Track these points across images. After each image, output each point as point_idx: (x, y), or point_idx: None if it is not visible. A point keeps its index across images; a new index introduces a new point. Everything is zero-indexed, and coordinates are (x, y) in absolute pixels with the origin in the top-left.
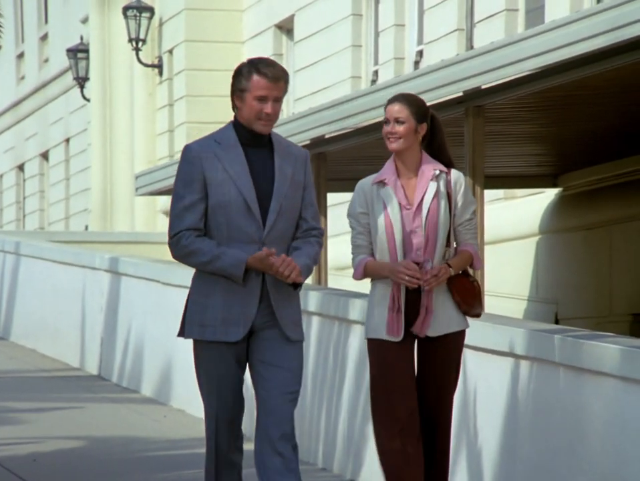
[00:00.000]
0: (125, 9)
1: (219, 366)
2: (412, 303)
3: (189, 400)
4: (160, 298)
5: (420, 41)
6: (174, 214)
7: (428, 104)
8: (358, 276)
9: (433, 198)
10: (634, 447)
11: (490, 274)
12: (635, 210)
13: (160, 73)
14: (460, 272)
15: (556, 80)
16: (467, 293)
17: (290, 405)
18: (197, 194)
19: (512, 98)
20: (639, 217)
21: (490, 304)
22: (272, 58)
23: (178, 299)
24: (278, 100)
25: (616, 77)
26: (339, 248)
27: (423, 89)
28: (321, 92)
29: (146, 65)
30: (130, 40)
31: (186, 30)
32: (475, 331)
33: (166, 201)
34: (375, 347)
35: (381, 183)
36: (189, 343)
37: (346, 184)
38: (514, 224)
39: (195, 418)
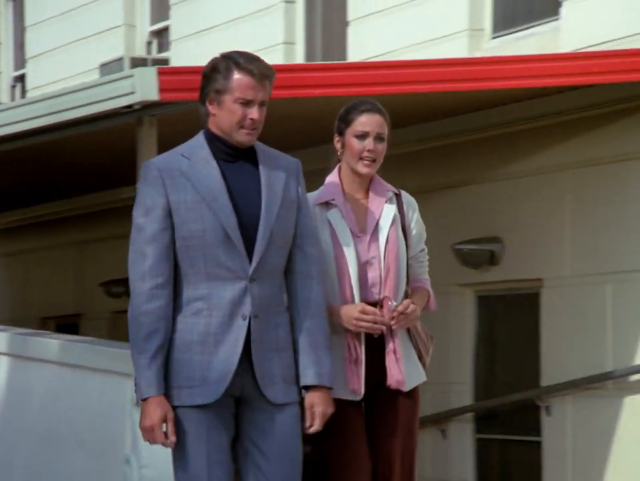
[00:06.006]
0: None
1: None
2: (369, 353)
3: None
4: None
5: None
6: (135, 250)
7: None
8: None
9: (391, 224)
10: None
11: None
12: (42, 243)
13: None
14: None
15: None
16: (426, 339)
17: None
18: (159, 224)
19: None
20: (46, 248)
21: None
22: None
23: None
24: (264, 104)
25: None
26: None
27: None
28: None
29: None
30: None
31: None
32: None
33: None
34: None
35: (327, 204)
36: None
37: None
38: None
39: None
